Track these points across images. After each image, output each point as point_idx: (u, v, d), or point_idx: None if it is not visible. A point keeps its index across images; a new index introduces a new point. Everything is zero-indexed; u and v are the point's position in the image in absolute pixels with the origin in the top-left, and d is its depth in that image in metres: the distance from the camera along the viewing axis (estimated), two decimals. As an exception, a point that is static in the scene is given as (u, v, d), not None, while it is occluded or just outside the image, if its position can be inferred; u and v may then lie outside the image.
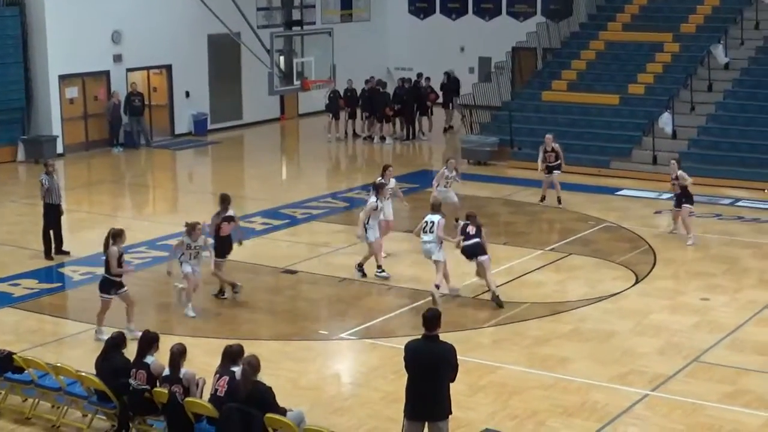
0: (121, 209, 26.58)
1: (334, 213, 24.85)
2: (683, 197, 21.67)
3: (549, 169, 24.97)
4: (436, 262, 18.20)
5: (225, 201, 18.65)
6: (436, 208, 18.49)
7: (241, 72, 36.53)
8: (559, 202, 24.94)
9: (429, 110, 35.52)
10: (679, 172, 21.65)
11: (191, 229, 17.65)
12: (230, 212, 18.62)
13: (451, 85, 36.68)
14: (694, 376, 14.88)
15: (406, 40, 41.88)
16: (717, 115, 29.91)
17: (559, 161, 25.01)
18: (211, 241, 18.23)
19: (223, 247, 18.45)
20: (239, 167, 32.33)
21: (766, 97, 29.76)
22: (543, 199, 25.25)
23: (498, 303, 17.72)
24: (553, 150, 24.94)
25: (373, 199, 19.47)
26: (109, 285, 16.62)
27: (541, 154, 25.09)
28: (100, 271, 19.77)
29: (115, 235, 16.69)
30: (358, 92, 35.13)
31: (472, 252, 18.08)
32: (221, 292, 18.62)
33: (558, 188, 24.94)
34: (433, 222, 18.15)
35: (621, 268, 20.13)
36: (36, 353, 14.75)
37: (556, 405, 13.90)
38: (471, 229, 18.16)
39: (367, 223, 19.28)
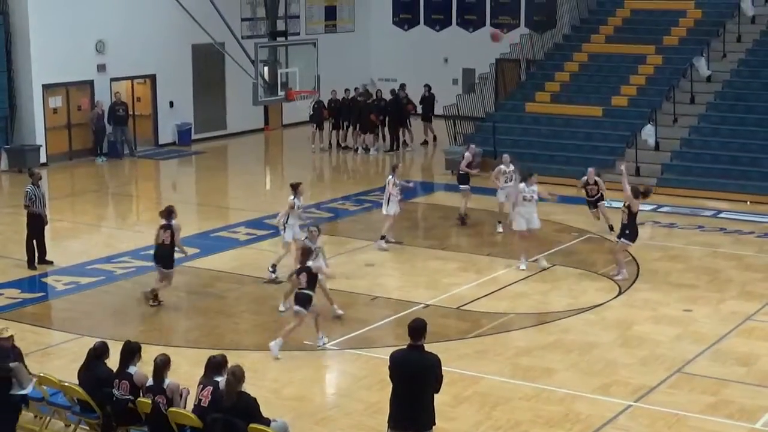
0: (105, 219, 26.52)
1: (319, 223, 24.78)
2: (625, 230, 19.80)
3: (592, 204, 23.40)
4: (386, 215, 22.12)
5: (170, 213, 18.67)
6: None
7: (226, 82, 36.49)
8: (611, 228, 23.00)
9: (407, 122, 35.39)
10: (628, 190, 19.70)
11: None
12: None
13: (431, 98, 36.23)
14: (676, 387, 14.90)
15: (390, 51, 41.91)
16: (699, 127, 30.03)
17: (600, 193, 23.29)
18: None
19: None
20: (223, 177, 32.27)
21: (748, 110, 29.89)
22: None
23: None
24: (596, 183, 23.24)
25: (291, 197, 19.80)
26: (307, 300, 16.13)
27: (581, 186, 23.53)
28: (84, 280, 19.91)
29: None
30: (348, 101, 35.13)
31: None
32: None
33: (606, 216, 23.29)
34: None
35: (604, 280, 20.16)
36: (19, 363, 14.67)
37: (540, 416, 13.90)
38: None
39: (287, 222, 19.80)
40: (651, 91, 31.65)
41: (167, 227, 18.57)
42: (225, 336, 17.14)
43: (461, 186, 24.57)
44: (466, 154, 24.99)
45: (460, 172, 24.70)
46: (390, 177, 22.51)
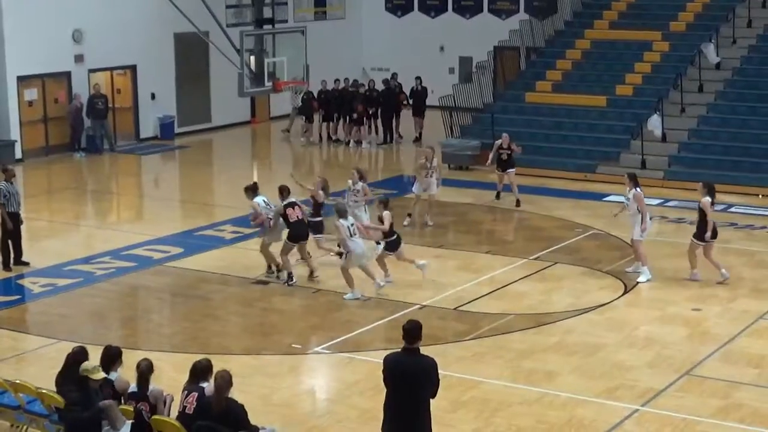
0: (84, 217, 26.50)
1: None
2: (702, 230, 19.80)
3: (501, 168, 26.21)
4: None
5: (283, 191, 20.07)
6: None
7: (210, 73, 36.48)
8: (518, 204, 25.81)
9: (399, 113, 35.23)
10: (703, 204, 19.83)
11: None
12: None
13: (423, 92, 35.66)
14: (685, 390, 14.93)
15: (382, 39, 41.93)
16: (708, 117, 30.06)
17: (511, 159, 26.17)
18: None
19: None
20: (208, 173, 32.26)
21: (759, 98, 29.93)
22: None
23: None
24: (509, 147, 26.06)
25: None
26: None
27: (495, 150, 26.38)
28: (62, 282, 19.93)
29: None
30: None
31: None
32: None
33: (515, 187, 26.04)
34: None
35: (609, 278, 20.19)
36: (-7, 370, 14.70)
37: (542, 421, 13.91)
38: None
39: None
40: (657, 79, 31.67)
41: (293, 204, 19.80)
42: (211, 340, 17.15)
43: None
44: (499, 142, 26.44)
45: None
46: (422, 160, 24.23)
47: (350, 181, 22.11)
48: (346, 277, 18.96)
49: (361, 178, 22.04)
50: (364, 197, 21.92)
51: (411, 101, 35.45)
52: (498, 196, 26.17)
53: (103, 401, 11.96)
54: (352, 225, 18.92)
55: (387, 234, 19.55)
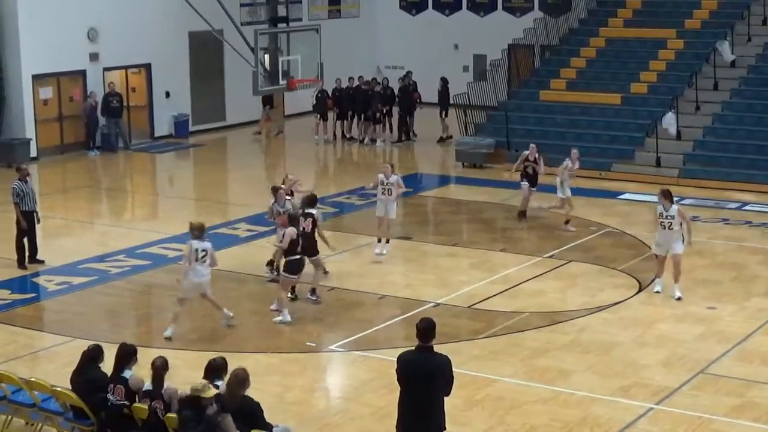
0: (98, 215, 26.57)
1: (323, 219, 24.80)
2: None
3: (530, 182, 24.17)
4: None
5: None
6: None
7: (224, 71, 36.51)
8: (522, 215, 24.33)
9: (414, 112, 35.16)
10: None
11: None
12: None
13: (446, 92, 35.30)
14: (700, 389, 14.90)
15: (397, 37, 41.92)
16: (723, 115, 29.99)
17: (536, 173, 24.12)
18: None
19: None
20: (222, 171, 32.30)
21: (775, 96, 29.87)
22: None
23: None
24: (535, 161, 23.98)
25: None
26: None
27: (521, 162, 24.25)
28: (77, 280, 19.97)
29: None
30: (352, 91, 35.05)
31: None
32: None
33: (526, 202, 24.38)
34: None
35: (623, 276, 20.15)
36: (9, 367, 14.71)
37: (556, 420, 13.90)
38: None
39: None
40: (672, 77, 31.61)
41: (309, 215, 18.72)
42: (225, 338, 17.17)
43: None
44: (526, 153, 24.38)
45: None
46: (566, 162, 23.33)
47: (382, 175, 21.45)
48: (176, 312, 17.25)
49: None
50: (398, 190, 21.59)
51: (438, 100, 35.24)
52: (524, 215, 24.23)
53: (215, 414, 11.42)
54: (203, 250, 17.03)
55: (287, 252, 17.79)
